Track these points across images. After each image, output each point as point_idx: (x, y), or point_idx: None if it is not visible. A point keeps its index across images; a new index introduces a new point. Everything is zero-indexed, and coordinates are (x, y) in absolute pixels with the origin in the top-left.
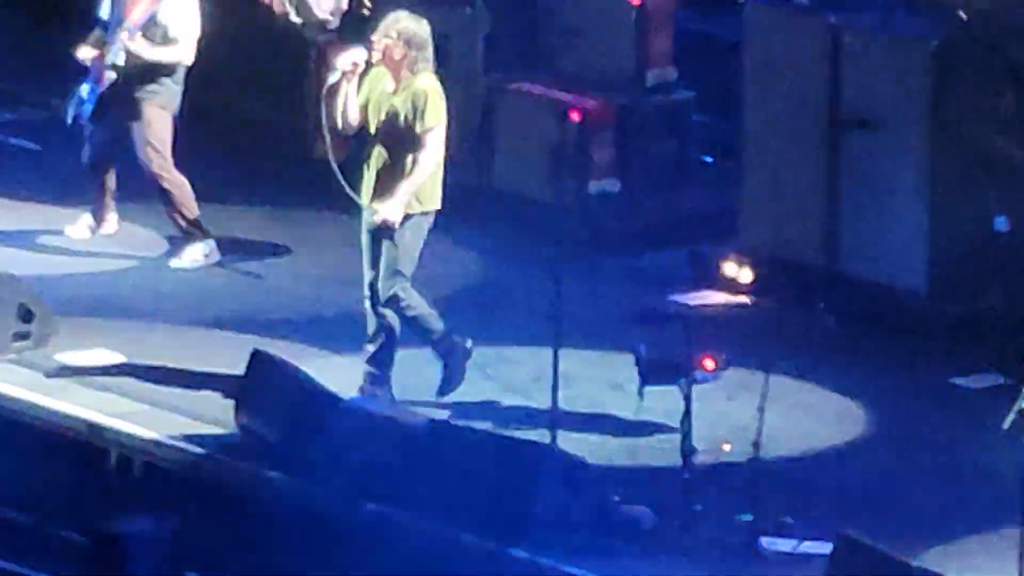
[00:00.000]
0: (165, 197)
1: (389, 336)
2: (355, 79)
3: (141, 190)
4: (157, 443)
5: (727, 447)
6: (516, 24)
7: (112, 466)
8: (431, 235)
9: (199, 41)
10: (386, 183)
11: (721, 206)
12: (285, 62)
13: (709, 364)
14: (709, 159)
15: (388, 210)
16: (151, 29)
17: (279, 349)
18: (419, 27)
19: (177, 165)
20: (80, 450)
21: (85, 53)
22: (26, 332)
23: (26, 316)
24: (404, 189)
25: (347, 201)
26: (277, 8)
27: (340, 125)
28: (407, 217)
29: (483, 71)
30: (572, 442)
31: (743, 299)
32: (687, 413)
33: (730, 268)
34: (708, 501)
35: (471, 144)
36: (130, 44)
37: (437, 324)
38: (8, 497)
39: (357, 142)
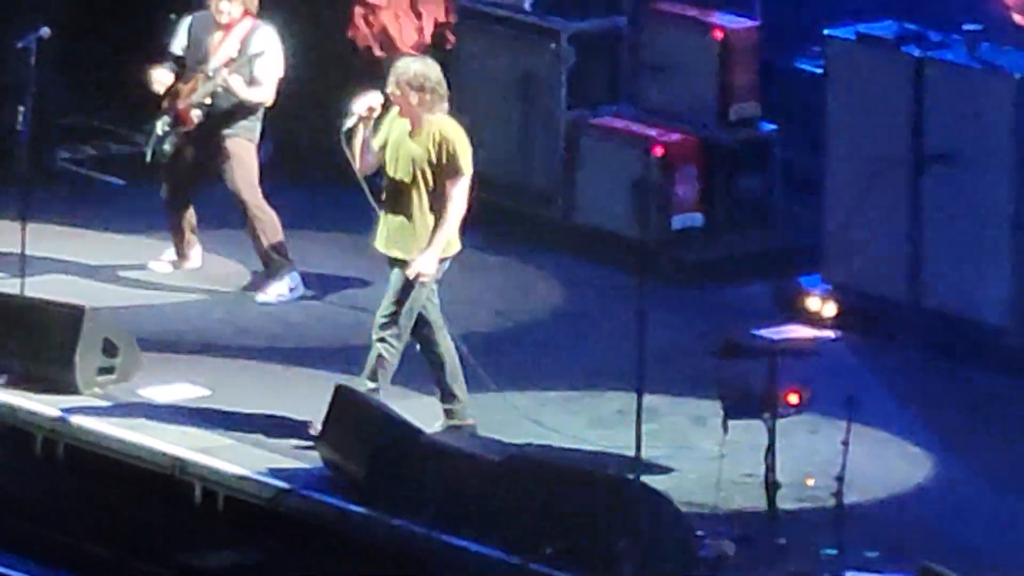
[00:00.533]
0: (253, 230)
1: (440, 369)
2: (371, 122)
3: (225, 223)
4: (241, 477)
5: (811, 482)
6: (599, 59)
7: (196, 500)
8: (517, 270)
9: (281, 81)
10: (404, 226)
11: (805, 240)
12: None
13: (793, 398)
14: (792, 193)
15: (423, 264)
16: (238, 70)
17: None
18: (428, 70)
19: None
20: (164, 484)
21: (161, 77)
22: (110, 366)
23: (110, 350)
24: (437, 241)
25: None
26: (361, 42)
27: (357, 167)
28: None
29: (567, 106)
30: (656, 476)
31: (827, 333)
32: (771, 447)
33: (814, 302)
34: (792, 535)
35: (555, 179)
36: (228, 80)
37: (386, 378)
38: (92, 531)
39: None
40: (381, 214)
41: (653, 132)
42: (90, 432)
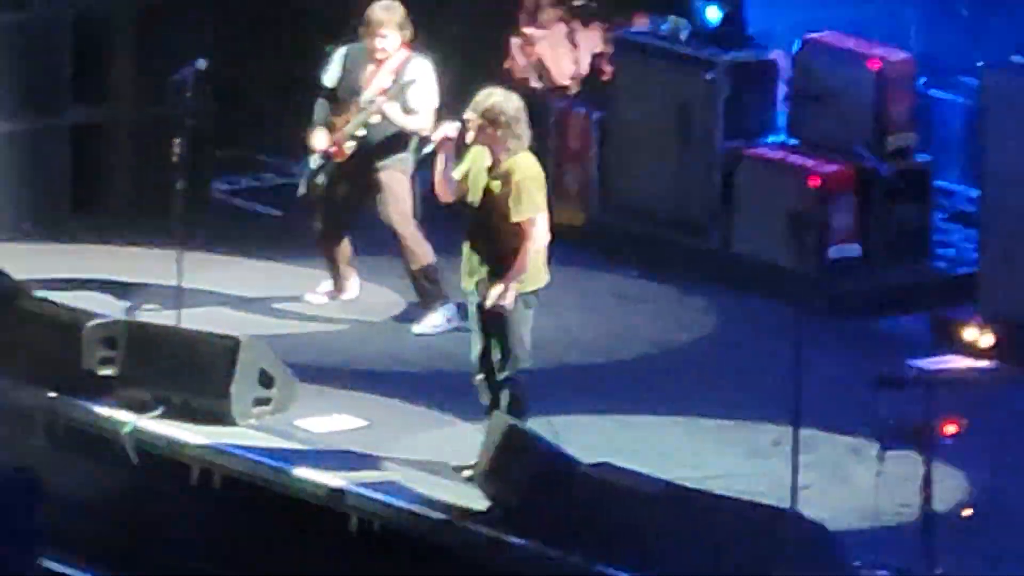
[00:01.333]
0: (407, 262)
1: (518, 409)
2: (451, 152)
3: (382, 251)
4: (397, 508)
5: (967, 512)
6: (756, 89)
7: (352, 531)
8: (673, 301)
9: (438, 111)
10: (484, 259)
11: (962, 270)
12: None
13: (950, 429)
14: (948, 223)
15: (497, 295)
16: (393, 99)
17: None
18: (506, 103)
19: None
20: (320, 515)
21: (320, 142)
22: (267, 398)
23: (267, 382)
24: (512, 274)
25: (586, 262)
26: (517, 74)
27: (437, 194)
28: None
29: (723, 137)
30: (812, 506)
31: (984, 364)
32: (927, 478)
33: (971, 333)
34: (949, 566)
35: (711, 210)
36: (384, 107)
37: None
38: (249, 562)
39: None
40: (465, 246)
41: (810, 162)
42: (246, 463)
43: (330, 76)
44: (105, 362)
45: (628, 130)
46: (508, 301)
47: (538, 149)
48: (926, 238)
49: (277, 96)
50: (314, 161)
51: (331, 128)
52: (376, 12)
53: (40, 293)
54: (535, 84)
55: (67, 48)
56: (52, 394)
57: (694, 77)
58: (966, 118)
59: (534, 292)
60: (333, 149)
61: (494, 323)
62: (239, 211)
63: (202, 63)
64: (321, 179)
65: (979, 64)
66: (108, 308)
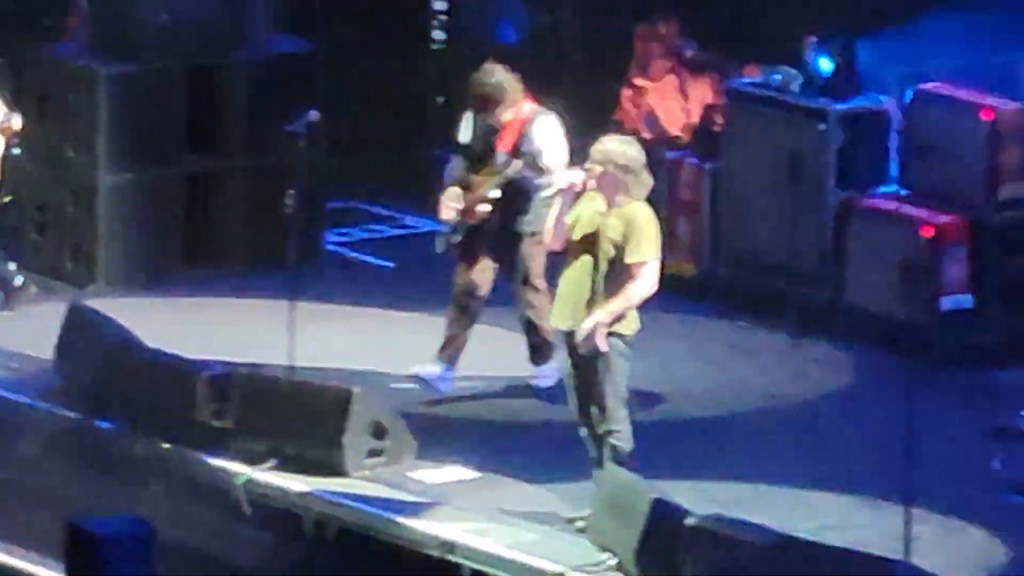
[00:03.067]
0: (526, 315)
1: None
2: (570, 200)
3: (495, 301)
4: (510, 560)
5: None
6: (868, 139)
7: None
8: (786, 352)
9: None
10: (586, 304)
11: None
12: None
13: None
14: None
15: (588, 325)
16: (525, 161)
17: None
18: (630, 151)
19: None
20: (433, 567)
21: (449, 215)
22: (380, 449)
23: (379, 433)
24: (608, 309)
25: (698, 312)
26: (628, 125)
27: (547, 240)
28: (610, 338)
29: (836, 186)
30: (926, 557)
31: None
32: None
33: None
34: None
35: (823, 260)
36: (521, 169)
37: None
38: None
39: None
40: (565, 289)
41: (922, 213)
42: (359, 514)
43: (464, 134)
44: (219, 413)
45: (740, 181)
46: (601, 340)
47: (650, 199)
48: None
49: (388, 148)
50: (450, 219)
51: (467, 187)
52: (482, 89)
53: (154, 344)
54: (646, 135)
55: (181, 98)
56: (166, 445)
57: (806, 127)
58: None
59: (627, 336)
60: (466, 210)
61: (588, 370)
62: (351, 263)
63: (315, 114)
64: (457, 238)
65: None
66: (222, 359)
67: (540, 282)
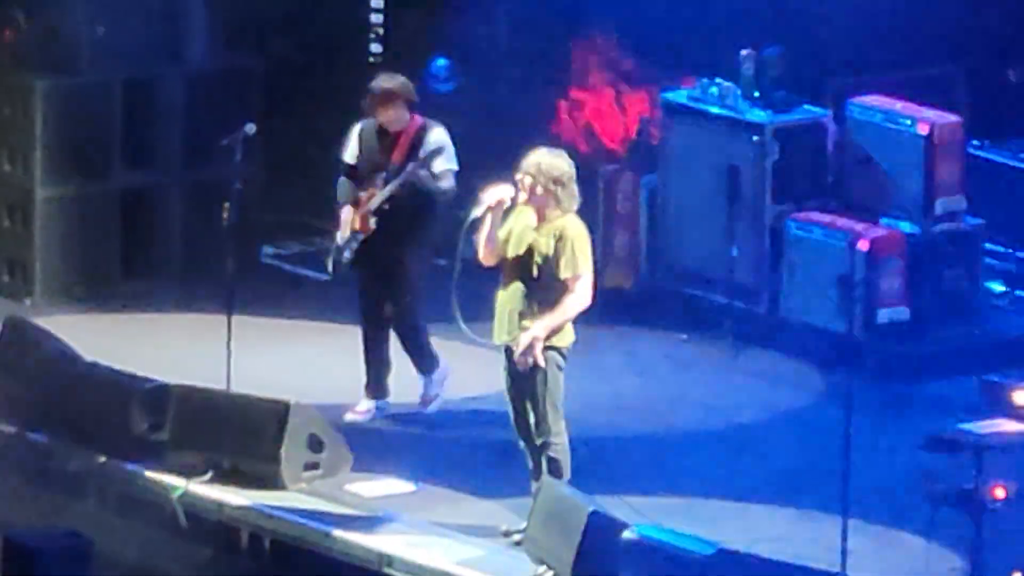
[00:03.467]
0: (403, 337)
1: (559, 474)
2: (499, 216)
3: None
4: (447, 573)
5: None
6: (804, 152)
7: None
8: (722, 365)
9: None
10: (522, 314)
11: (1012, 334)
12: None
13: (1000, 493)
14: (999, 287)
15: (525, 339)
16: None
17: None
18: (567, 164)
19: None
20: None
21: (348, 219)
22: (316, 462)
23: (316, 446)
24: (543, 323)
25: (636, 325)
26: (565, 137)
27: (480, 257)
28: (546, 351)
29: (772, 200)
30: (861, 569)
31: None
32: (977, 541)
33: (1020, 397)
34: None
35: (760, 273)
36: (416, 173)
37: (566, 474)
38: None
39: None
40: (499, 305)
41: (859, 226)
42: (295, 527)
43: (350, 153)
44: (155, 427)
45: (677, 194)
46: (539, 354)
47: (587, 212)
48: (975, 301)
49: (326, 162)
50: (340, 238)
51: (356, 204)
52: (380, 85)
53: (91, 358)
54: (584, 148)
55: (117, 112)
56: (102, 458)
57: (742, 140)
58: (1017, 180)
59: (562, 349)
60: (360, 225)
61: (525, 384)
62: (287, 275)
63: (251, 128)
64: (348, 255)
65: None
66: (158, 372)
67: (415, 310)
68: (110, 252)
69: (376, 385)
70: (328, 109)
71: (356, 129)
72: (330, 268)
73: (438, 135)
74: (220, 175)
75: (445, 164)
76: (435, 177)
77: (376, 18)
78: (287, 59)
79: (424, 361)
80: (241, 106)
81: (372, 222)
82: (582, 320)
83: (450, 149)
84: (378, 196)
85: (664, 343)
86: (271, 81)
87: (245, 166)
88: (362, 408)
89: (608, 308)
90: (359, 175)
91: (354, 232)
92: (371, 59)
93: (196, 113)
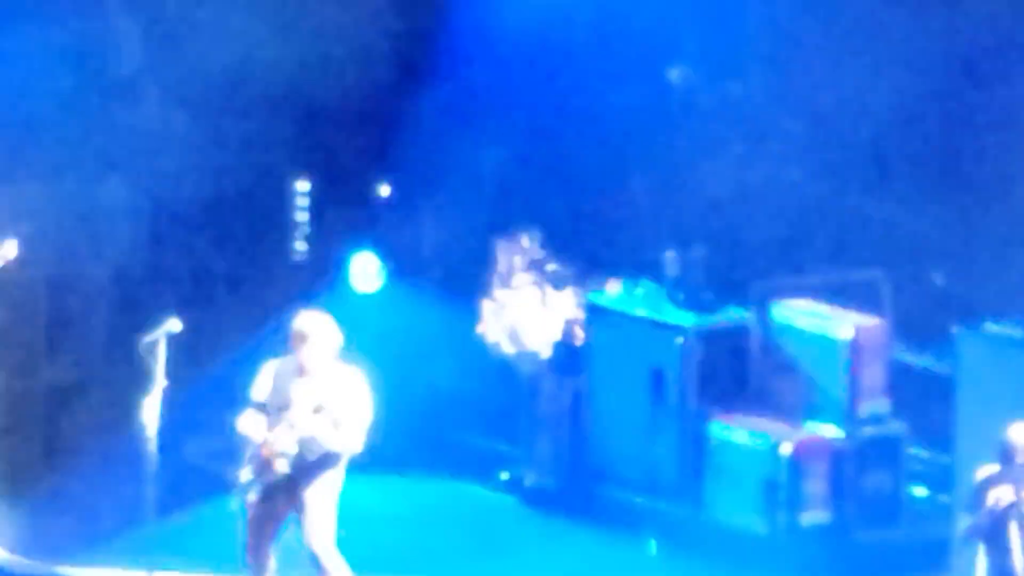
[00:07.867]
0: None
1: None
2: None
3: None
4: None
5: None
6: (728, 355)
7: None
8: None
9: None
10: None
11: (933, 539)
12: (497, 392)
13: None
14: (923, 492)
15: None
16: (320, 414)
17: None
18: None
19: None
20: None
21: (252, 430)
22: None
23: None
24: None
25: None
26: (490, 337)
27: None
28: None
29: (696, 402)
30: None
31: None
32: None
33: None
34: None
35: (683, 475)
36: (314, 429)
37: None
38: None
39: None
40: None
41: (783, 429)
42: None
43: (260, 389)
44: None
45: (601, 394)
46: None
47: (511, 414)
48: (898, 505)
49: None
50: (245, 476)
51: (263, 444)
52: (303, 323)
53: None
54: (509, 348)
55: (40, 310)
56: None
57: (666, 342)
58: (939, 384)
59: None
60: (264, 464)
61: None
62: (211, 473)
63: (175, 324)
64: (252, 494)
65: (953, 331)
66: None
67: (328, 549)
68: (33, 446)
69: None
70: (252, 306)
71: (271, 365)
72: (235, 504)
73: (349, 383)
74: (142, 372)
75: (351, 416)
76: (338, 426)
77: (301, 216)
78: (210, 255)
79: None
80: (164, 302)
81: (279, 464)
82: (504, 518)
83: (360, 399)
84: (282, 440)
85: (587, 544)
86: (195, 278)
87: (169, 364)
88: None
89: (532, 508)
90: (267, 413)
91: (260, 471)
92: (295, 257)
93: (120, 309)
